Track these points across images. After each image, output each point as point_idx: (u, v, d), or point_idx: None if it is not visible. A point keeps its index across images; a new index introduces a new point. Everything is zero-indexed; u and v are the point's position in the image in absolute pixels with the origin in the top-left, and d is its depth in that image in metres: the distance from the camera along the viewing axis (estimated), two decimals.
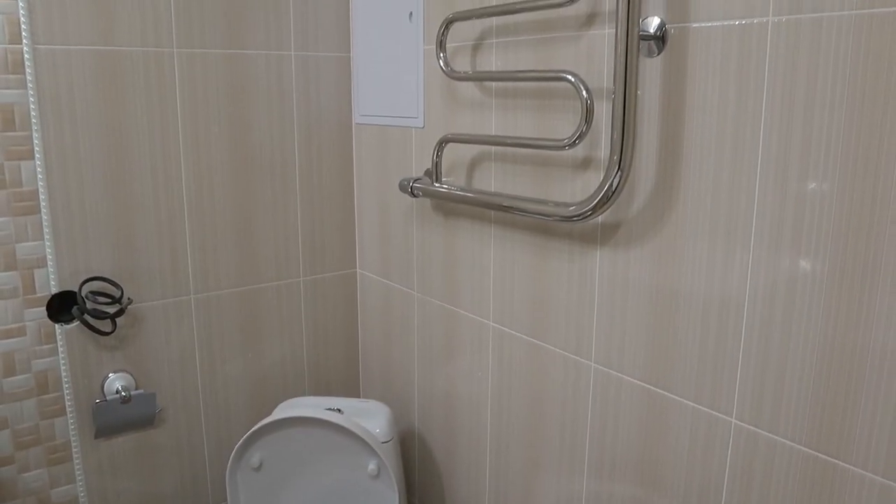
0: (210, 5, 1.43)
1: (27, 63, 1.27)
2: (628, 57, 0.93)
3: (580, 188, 1.11)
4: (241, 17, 1.47)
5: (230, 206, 1.52)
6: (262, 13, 1.49)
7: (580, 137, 1.02)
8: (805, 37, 0.81)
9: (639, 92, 1.00)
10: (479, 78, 1.21)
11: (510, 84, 1.20)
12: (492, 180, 1.27)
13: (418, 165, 1.45)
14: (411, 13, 1.41)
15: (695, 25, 0.92)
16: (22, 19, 1.25)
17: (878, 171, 0.77)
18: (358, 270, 1.72)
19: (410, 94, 1.44)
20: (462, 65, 1.29)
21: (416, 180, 1.35)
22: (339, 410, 1.46)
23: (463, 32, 1.28)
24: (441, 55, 1.25)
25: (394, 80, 1.49)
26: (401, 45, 1.45)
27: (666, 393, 1.02)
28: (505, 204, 1.14)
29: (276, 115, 1.55)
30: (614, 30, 1.00)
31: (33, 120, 1.29)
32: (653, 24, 0.96)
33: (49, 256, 1.33)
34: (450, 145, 1.34)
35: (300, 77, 1.57)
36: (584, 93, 1.00)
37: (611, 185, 0.97)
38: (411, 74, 1.43)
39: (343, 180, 1.67)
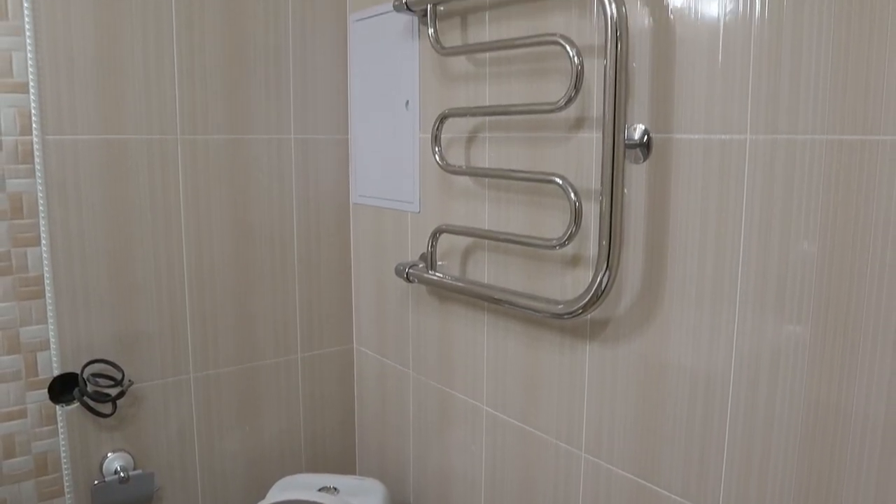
0: (213, 95, 1.48)
1: (36, 153, 1.31)
2: (615, 164, 0.97)
3: (570, 283, 1.14)
4: (242, 105, 1.52)
5: (230, 285, 1.55)
6: (262, 99, 1.55)
7: (570, 238, 1.06)
8: (780, 155, 0.86)
9: (625, 190, 1.04)
10: (473, 173, 1.25)
11: (503, 179, 1.25)
12: (485, 270, 1.30)
13: (414, 247, 1.49)
14: (408, 101, 1.46)
15: (677, 136, 0.96)
16: (33, 112, 1.30)
17: (849, 310, 0.80)
18: (355, 346, 1.75)
19: (407, 180, 1.48)
20: (456, 156, 1.34)
21: (411, 266, 1.39)
22: (334, 489, 1.48)
23: (458, 124, 1.33)
24: (436, 149, 1.30)
25: (391, 164, 1.54)
26: (397, 131, 1.50)
27: (654, 487, 1.04)
28: (496, 297, 1.18)
29: (276, 194, 1.59)
30: (601, 134, 1.05)
31: (41, 207, 1.33)
32: (637, 131, 1.01)
33: (52, 340, 1.36)
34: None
35: (299, 158, 1.62)
36: (572, 195, 1.05)
37: (599, 284, 1.00)
38: (407, 160, 1.48)
39: (341, 258, 1.71)
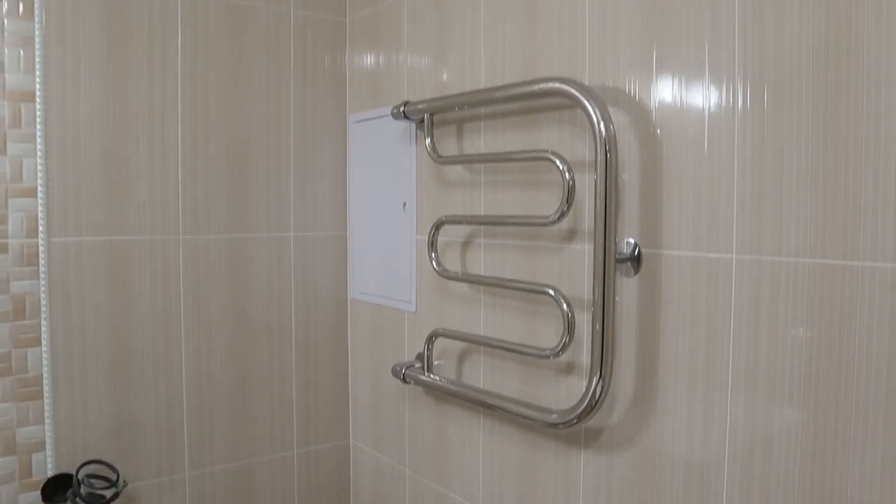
0: (214, 196, 1.52)
1: (41, 255, 1.34)
2: (606, 277, 1.00)
3: (564, 390, 1.16)
4: (243, 204, 1.56)
5: (228, 382, 1.56)
6: (263, 198, 1.59)
7: (563, 348, 1.08)
8: (766, 275, 0.88)
9: (617, 299, 1.06)
10: (468, 280, 1.28)
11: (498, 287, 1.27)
12: (481, 373, 1.32)
13: (411, 346, 1.50)
14: (405, 203, 1.50)
15: (667, 252, 0.99)
16: (40, 215, 1.34)
17: (837, 406, 0.82)
18: (351, 441, 1.74)
19: (403, 280, 1.51)
20: (452, 259, 1.37)
21: (407, 367, 1.40)
22: None
23: (454, 228, 1.36)
24: (433, 255, 1.33)
25: (388, 263, 1.56)
26: (395, 231, 1.54)
27: None
28: (490, 402, 1.19)
29: (275, 291, 1.62)
30: (593, 246, 1.08)
31: (43, 308, 1.35)
32: (628, 246, 1.04)
33: (48, 440, 1.36)
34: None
35: (298, 255, 1.65)
36: (564, 307, 1.07)
37: (593, 394, 1.02)
38: (404, 261, 1.51)
39: (338, 353, 1.72)
